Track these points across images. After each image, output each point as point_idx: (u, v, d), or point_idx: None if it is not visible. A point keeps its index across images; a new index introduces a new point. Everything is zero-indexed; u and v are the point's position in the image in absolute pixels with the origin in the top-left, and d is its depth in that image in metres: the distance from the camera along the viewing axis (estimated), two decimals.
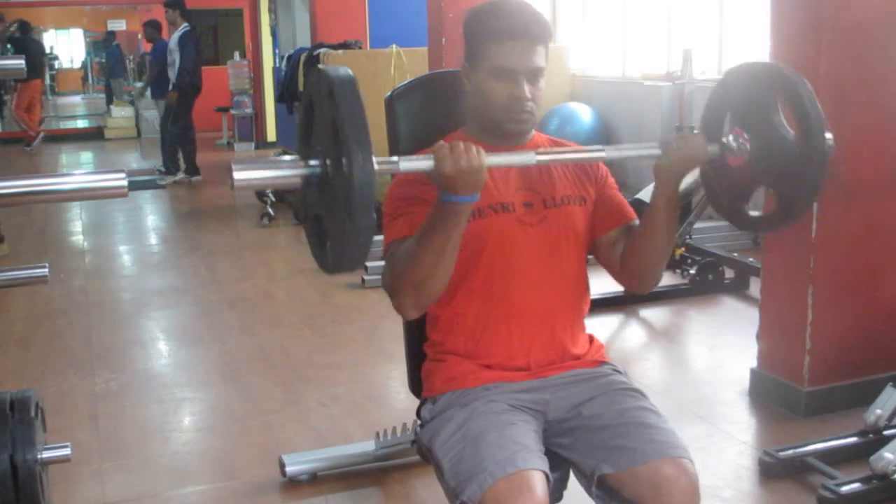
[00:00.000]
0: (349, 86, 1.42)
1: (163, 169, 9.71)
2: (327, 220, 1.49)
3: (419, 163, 1.58)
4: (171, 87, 9.13)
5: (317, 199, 1.52)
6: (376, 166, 1.41)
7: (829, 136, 1.64)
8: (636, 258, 1.84)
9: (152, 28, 10.24)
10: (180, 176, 9.35)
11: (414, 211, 1.75)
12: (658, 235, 1.80)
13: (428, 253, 1.63)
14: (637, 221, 1.90)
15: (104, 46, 20.78)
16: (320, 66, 1.51)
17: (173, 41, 9.04)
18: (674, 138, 1.72)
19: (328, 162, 1.45)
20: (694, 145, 1.71)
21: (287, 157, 1.52)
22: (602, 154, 1.72)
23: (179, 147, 9.40)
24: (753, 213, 1.79)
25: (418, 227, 1.67)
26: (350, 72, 1.46)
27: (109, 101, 16.56)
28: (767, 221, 1.81)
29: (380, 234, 1.70)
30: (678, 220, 1.81)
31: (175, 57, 8.98)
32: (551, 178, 1.87)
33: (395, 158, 1.56)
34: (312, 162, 1.48)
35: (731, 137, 1.73)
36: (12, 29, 13.11)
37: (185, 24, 9.08)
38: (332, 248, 1.50)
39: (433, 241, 1.62)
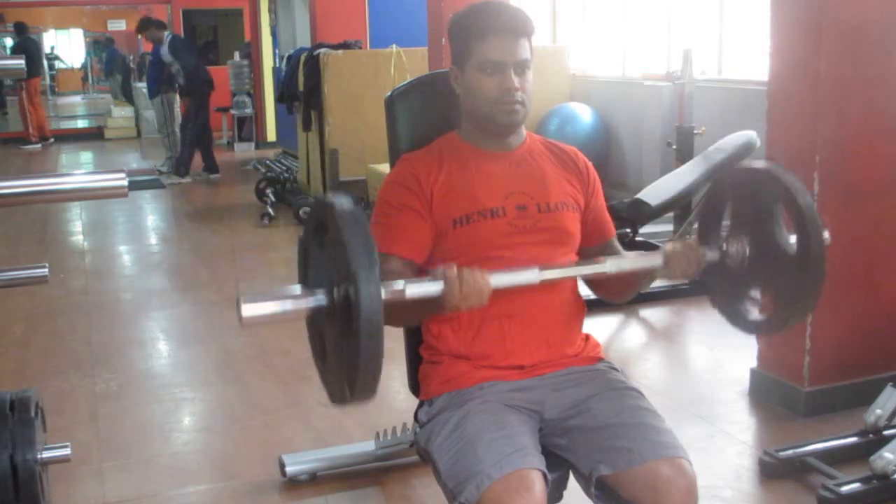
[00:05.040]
0: (354, 219, 1.40)
1: (163, 169, 9.70)
2: (335, 350, 1.48)
3: (427, 287, 1.56)
4: (180, 91, 9.27)
5: (325, 328, 1.52)
6: (383, 295, 1.40)
7: (826, 236, 1.66)
8: (607, 290, 1.94)
9: (154, 27, 10.24)
10: (188, 180, 9.34)
11: (397, 222, 1.81)
12: (630, 289, 1.92)
13: (405, 321, 1.78)
14: (615, 240, 1.97)
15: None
16: (323, 198, 1.48)
17: (165, 54, 9.13)
18: (675, 251, 1.71)
19: (335, 292, 1.44)
20: (693, 259, 1.72)
21: (293, 288, 1.52)
22: (605, 267, 1.69)
23: (198, 146, 9.43)
24: (753, 318, 1.78)
25: (395, 241, 1.77)
26: (351, 201, 1.44)
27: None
28: (766, 325, 1.80)
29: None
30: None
31: (176, 65, 9.08)
32: (545, 183, 1.88)
33: (400, 284, 1.53)
34: (319, 293, 1.47)
35: (729, 243, 1.74)
36: (9, 30, 13.18)
37: (167, 32, 9.24)
38: (339, 379, 1.49)
39: (412, 317, 1.75)
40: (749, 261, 1.72)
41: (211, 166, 9.59)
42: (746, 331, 1.81)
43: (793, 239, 1.66)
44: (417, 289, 1.55)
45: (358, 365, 1.36)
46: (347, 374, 1.42)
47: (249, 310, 1.42)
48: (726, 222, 1.79)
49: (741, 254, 1.72)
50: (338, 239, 1.39)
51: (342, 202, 1.43)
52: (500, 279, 1.60)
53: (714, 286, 1.80)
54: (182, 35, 9.24)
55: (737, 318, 1.79)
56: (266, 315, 1.45)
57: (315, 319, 1.52)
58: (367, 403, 1.44)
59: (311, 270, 1.58)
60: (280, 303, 1.46)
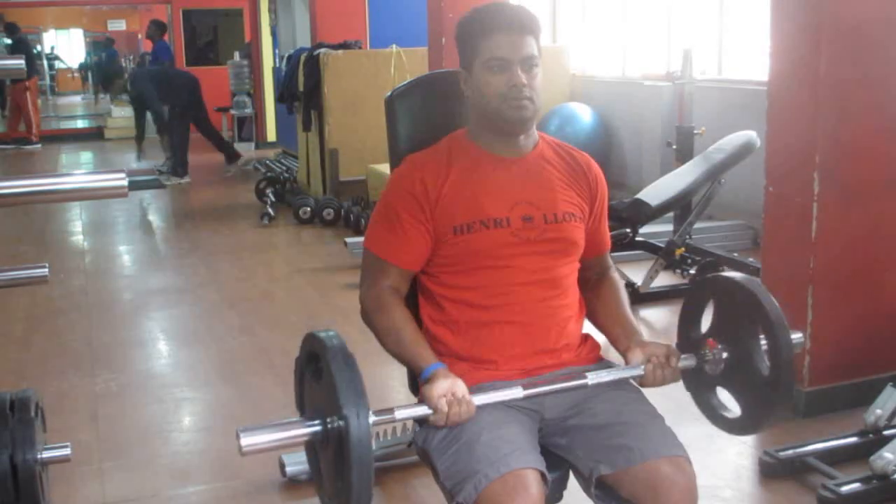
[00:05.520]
0: (343, 355, 1.49)
1: (163, 169, 9.72)
2: (330, 476, 1.55)
3: (415, 411, 1.65)
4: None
5: (320, 454, 1.60)
6: (373, 419, 1.48)
7: (798, 337, 1.71)
8: (589, 315, 1.96)
9: (155, 26, 10.29)
10: (187, 179, 9.36)
11: (398, 228, 1.82)
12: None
13: (400, 359, 1.80)
14: (608, 256, 2.00)
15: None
16: (313, 334, 1.58)
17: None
18: (654, 367, 1.75)
19: (329, 423, 1.51)
20: (670, 375, 1.77)
21: (290, 419, 1.62)
22: (587, 381, 1.73)
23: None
24: (725, 414, 1.84)
25: (396, 249, 1.81)
26: (340, 339, 1.53)
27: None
28: (737, 428, 1.85)
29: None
30: None
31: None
32: (553, 192, 1.86)
33: (391, 409, 1.59)
34: (314, 422, 1.55)
35: (707, 351, 1.79)
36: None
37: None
38: (337, 498, 1.55)
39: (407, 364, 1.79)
40: (724, 367, 1.78)
41: (230, 154, 9.66)
42: (721, 428, 1.87)
43: (765, 348, 1.71)
44: (407, 413, 1.65)
45: (350, 499, 1.45)
46: (343, 496, 1.50)
47: (248, 441, 1.50)
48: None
49: (718, 359, 1.78)
50: (329, 378, 1.48)
51: (332, 340, 1.52)
52: (485, 398, 1.67)
53: (692, 383, 1.86)
54: (147, 64, 9.72)
55: (712, 415, 1.86)
56: (265, 444, 1.53)
57: (312, 444, 1.60)
58: None
59: (306, 396, 1.68)
60: (277, 434, 1.55)
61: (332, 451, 1.52)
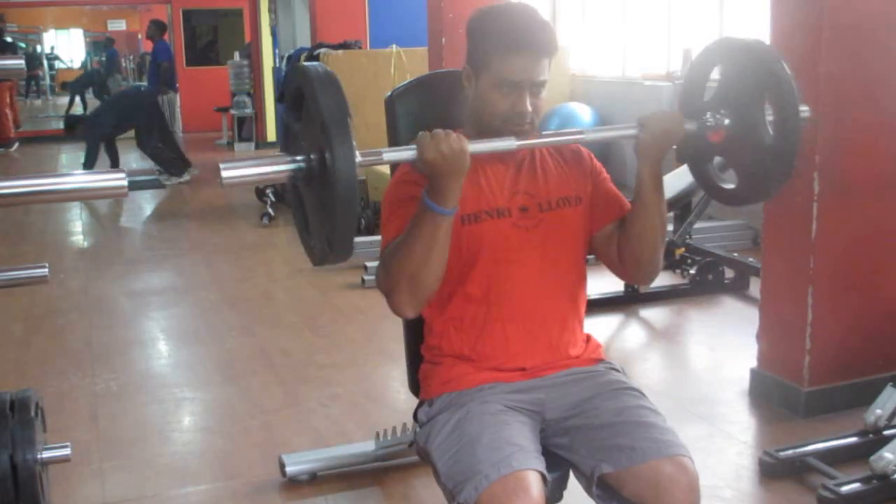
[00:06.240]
0: (328, 81, 1.47)
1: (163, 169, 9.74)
2: (314, 212, 1.54)
3: (402, 153, 1.63)
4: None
5: (304, 193, 1.58)
6: (359, 158, 1.47)
7: (804, 109, 1.70)
8: (633, 243, 1.82)
9: (155, 26, 10.31)
10: (186, 178, 9.36)
11: (408, 213, 1.74)
12: (649, 214, 1.79)
13: (418, 244, 1.65)
14: None
15: None
16: (299, 64, 1.59)
17: None
18: (652, 115, 1.75)
19: (312, 157, 1.49)
20: (671, 119, 1.74)
21: (273, 154, 1.59)
22: (581, 136, 1.76)
23: (163, 155, 9.59)
24: (721, 184, 1.85)
25: (405, 223, 1.72)
26: (328, 68, 1.51)
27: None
28: (731, 196, 1.85)
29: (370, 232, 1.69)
30: (665, 200, 1.82)
31: None
32: (546, 181, 1.86)
33: (378, 150, 1.59)
34: (298, 157, 1.53)
35: (708, 114, 1.77)
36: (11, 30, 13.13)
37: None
38: (319, 239, 1.55)
39: (422, 234, 1.64)
40: (725, 135, 1.77)
41: (177, 165, 9.66)
42: (716, 198, 1.90)
43: (771, 118, 1.71)
44: (395, 155, 1.63)
45: (335, 216, 1.43)
46: (326, 231, 1.49)
47: (229, 173, 1.49)
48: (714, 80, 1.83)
49: (719, 125, 1.76)
50: (314, 107, 1.45)
51: (318, 69, 1.49)
52: (477, 146, 1.66)
53: (690, 152, 1.85)
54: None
55: (708, 185, 1.87)
56: (244, 176, 1.50)
57: (296, 187, 1.59)
58: (344, 260, 1.54)
59: (290, 139, 1.64)
60: (259, 168, 1.53)
61: (315, 186, 1.50)
